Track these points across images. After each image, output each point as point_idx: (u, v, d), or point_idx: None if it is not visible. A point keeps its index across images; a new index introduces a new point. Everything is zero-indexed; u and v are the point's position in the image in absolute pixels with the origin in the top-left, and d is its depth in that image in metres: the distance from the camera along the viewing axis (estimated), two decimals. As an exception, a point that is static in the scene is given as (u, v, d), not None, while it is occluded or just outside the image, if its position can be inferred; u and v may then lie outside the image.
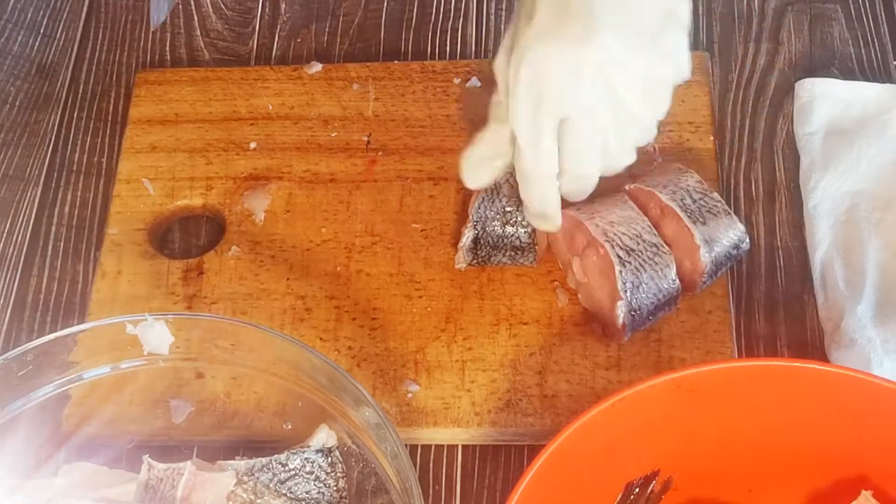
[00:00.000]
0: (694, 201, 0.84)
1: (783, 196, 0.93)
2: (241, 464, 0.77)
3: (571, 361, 0.84)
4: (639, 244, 0.82)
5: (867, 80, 0.97)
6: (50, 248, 0.96)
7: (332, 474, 0.77)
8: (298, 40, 1.05)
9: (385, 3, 1.07)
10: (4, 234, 0.97)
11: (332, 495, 0.77)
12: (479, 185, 0.85)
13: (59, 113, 1.03)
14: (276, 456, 0.77)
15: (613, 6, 0.73)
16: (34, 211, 0.98)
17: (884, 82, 0.96)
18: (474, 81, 0.97)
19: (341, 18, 1.06)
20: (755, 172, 0.94)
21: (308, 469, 0.77)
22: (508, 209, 0.86)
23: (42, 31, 1.08)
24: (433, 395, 0.84)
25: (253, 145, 0.97)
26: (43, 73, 1.06)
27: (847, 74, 0.98)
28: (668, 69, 0.77)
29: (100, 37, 1.07)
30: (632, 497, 0.75)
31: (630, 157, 0.80)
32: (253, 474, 0.76)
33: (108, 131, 1.01)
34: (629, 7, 0.74)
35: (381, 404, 0.77)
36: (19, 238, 0.96)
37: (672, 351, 0.84)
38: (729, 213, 0.84)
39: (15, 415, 0.78)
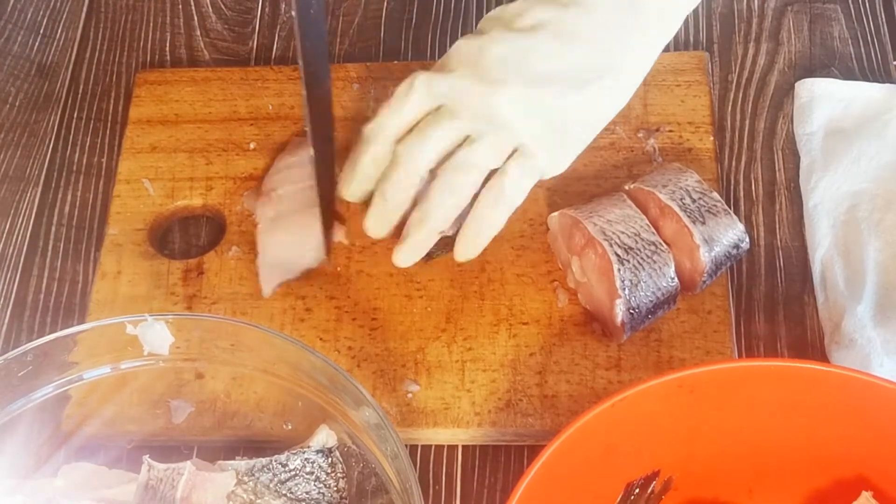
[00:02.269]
0: (693, 201, 0.84)
1: (783, 196, 0.93)
2: (241, 464, 0.77)
3: (571, 361, 0.84)
4: (637, 242, 0.82)
5: (867, 80, 0.97)
6: (50, 248, 0.96)
7: (333, 475, 0.77)
8: (298, 40, 1.05)
9: (385, 3, 1.07)
10: (4, 234, 0.97)
11: (332, 496, 0.77)
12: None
13: (59, 113, 1.03)
14: (276, 456, 0.77)
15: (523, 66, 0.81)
16: (34, 211, 0.98)
17: (884, 82, 0.96)
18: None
19: (341, 18, 1.06)
20: (755, 172, 0.94)
21: (308, 469, 0.77)
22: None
23: (42, 31, 1.08)
24: (433, 396, 0.84)
25: (253, 145, 0.97)
26: (43, 73, 1.06)
27: (847, 74, 0.98)
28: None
29: (100, 37, 1.07)
30: (632, 497, 0.75)
31: (462, 199, 0.83)
32: (253, 474, 0.76)
33: (108, 131, 1.01)
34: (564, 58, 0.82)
35: (381, 404, 0.77)
36: (19, 238, 0.96)
37: (672, 351, 0.84)
38: (728, 212, 0.84)
39: (15, 415, 0.78)
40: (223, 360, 0.81)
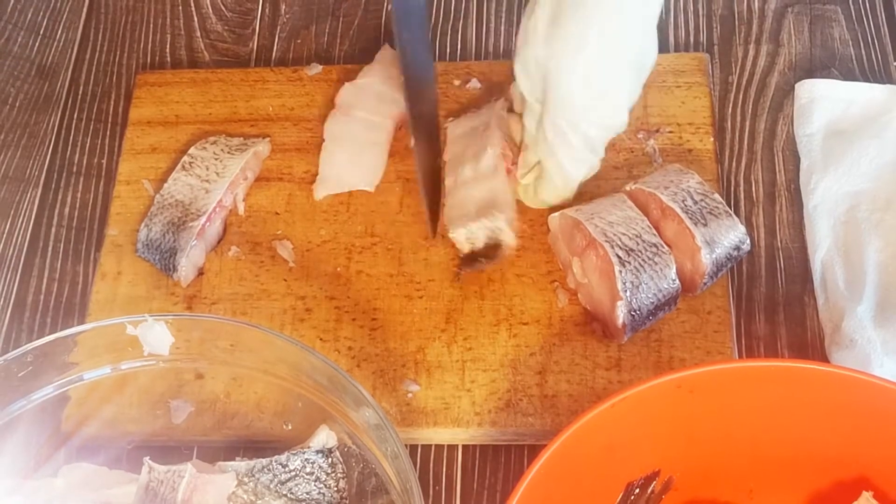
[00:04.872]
0: (695, 202, 0.84)
1: (783, 197, 0.93)
2: (241, 465, 0.77)
3: (571, 361, 0.84)
4: (638, 244, 0.82)
5: (867, 81, 0.97)
6: (50, 248, 0.96)
7: (333, 475, 0.77)
8: (298, 41, 1.05)
9: (385, 4, 1.07)
10: (4, 235, 0.97)
11: (332, 496, 0.77)
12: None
13: (59, 114, 1.03)
14: (276, 457, 0.77)
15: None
16: (34, 212, 0.98)
17: (884, 83, 0.96)
18: (474, 83, 0.97)
19: (341, 19, 1.06)
20: (755, 173, 0.94)
21: (308, 470, 0.77)
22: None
23: (42, 32, 1.08)
24: (433, 395, 0.84)
25: (253, 146, 0.97)
26: (43, 74, 1.06)
27: (847, 75, 0.98)
28: None
29: (100, 38, 1.07)
30: (632, 497, 0.75)
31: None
32: (253, 475, 0.76)
33: (108, 132, 1.01)
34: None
35: (381, 404, 0.77)
36: (19, 239, 0.96)
37: (672, 351, 0.84)
38: (730, 214, 0.84)
39: (15, 415, 0.78)
40: (223, 360, 0.81)
